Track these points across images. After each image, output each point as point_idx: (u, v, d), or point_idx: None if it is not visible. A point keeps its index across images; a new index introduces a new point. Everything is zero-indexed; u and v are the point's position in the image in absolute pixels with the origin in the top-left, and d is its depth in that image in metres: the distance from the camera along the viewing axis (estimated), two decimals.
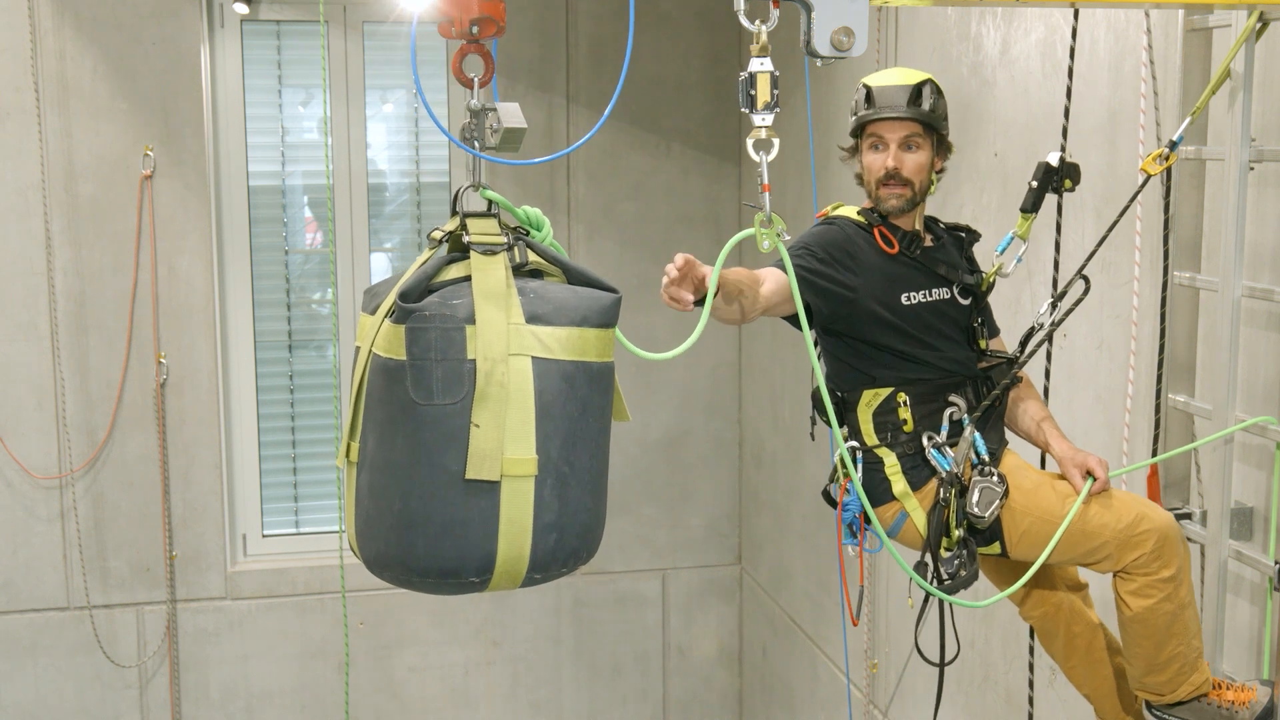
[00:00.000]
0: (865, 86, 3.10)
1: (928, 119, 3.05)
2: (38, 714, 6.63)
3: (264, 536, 6.95)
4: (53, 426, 6.44)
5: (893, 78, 3.10)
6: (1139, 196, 3.28)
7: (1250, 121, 3.09)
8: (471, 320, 2.17)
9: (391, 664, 7.01)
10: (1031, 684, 4.00)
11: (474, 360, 2.15)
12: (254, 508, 6.92)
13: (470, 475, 2.15)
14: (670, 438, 7.18)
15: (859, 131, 3.12)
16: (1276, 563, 3.10)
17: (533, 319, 2.20)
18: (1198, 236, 3.42)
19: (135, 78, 6.34)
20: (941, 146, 3.13)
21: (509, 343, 2.17)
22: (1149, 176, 3.17)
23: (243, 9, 6.53)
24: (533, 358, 2.19)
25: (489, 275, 2.20)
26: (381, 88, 6.94)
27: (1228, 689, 3.05)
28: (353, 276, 6.90)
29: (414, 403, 2.16)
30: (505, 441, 2.16)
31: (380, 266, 7.05)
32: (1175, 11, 3.36)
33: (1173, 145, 3.12)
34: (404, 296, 2.18)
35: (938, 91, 3.09)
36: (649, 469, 7.14)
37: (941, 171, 3.15)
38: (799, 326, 2.86)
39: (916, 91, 3.05)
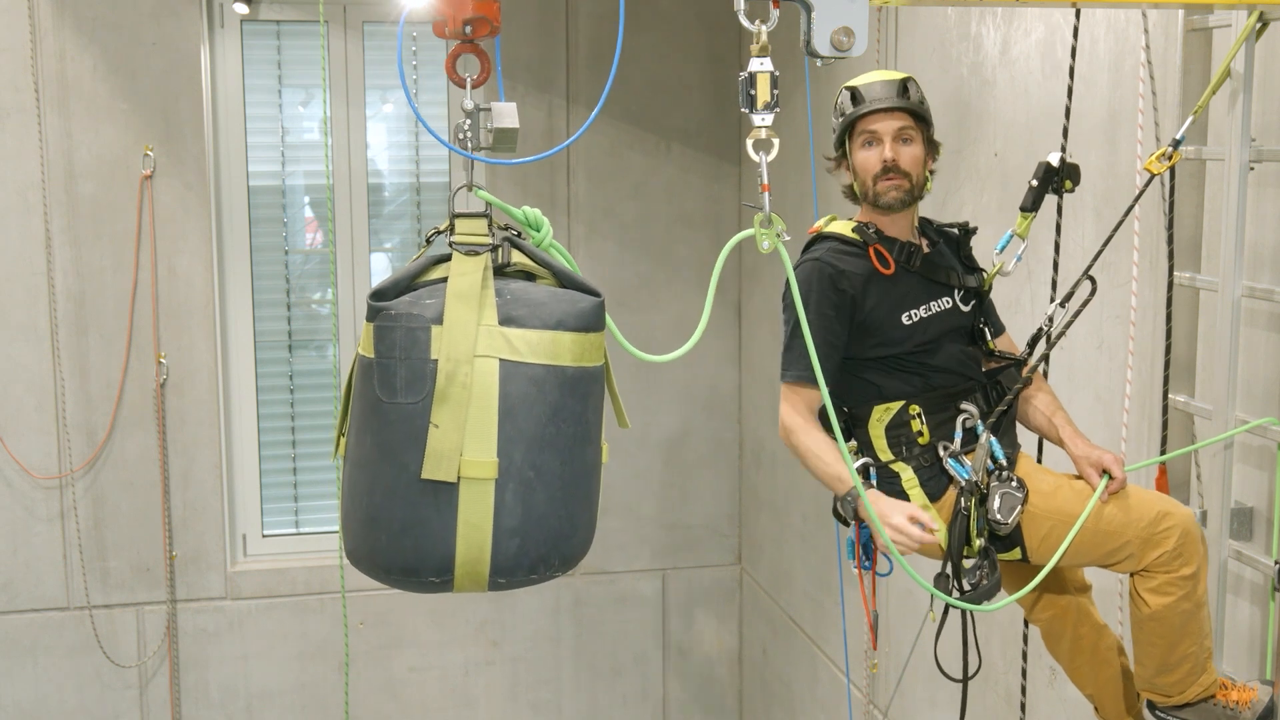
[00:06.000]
0: (848, 89, 3.07)
1: (919, 110, 3.04)
2: (38, 714, 6.63)
3: (264, 536, 6.95)
4: (53, 426, 6.43)
5: (876, 76, 3.08)
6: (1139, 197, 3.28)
7: (1250, 121, 3.08)
8: (439, 320, 2.16)
9: (391, 664, 7.01)
10: (1024, 690, 4.00)
11: (437, 360, 2.15)
12: (254, 508, 6.92)
13: (426, 475, 2.14)
14: (670, 438, 7.18)
15: (848, 131, 3.07)
16: (1277, 563, 3.10)
17: (506, 321, 2.18)
18: (1198, 236, 3.41)
19: (135, 78, 6.34)
20: (930, 145, 3.10)
21: (477, 344, 2.15)
22: (1153, 176, 3.17)
23: (243, 9, 6.53)
24: (500, 360, 2.16)
25: (465, 276, 2.19)
26: (381, 88, 6.94)
27: (1231, 689, 3.03)
28: (353, 276, 6.90)
29: (379, 400, 2.17)
30: (465, 443, 2.14)
31: (380, 266, 7.05)
32: (1175, 11, 3.36)
33: (1176, 144, 3.12)
34: (377, 295, 2.19)
35: (919, 89, 3.09)
36: (649, 469, 7.14)
37: (933, 173, 3.11)
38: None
39: (903, 86, 3.04)
